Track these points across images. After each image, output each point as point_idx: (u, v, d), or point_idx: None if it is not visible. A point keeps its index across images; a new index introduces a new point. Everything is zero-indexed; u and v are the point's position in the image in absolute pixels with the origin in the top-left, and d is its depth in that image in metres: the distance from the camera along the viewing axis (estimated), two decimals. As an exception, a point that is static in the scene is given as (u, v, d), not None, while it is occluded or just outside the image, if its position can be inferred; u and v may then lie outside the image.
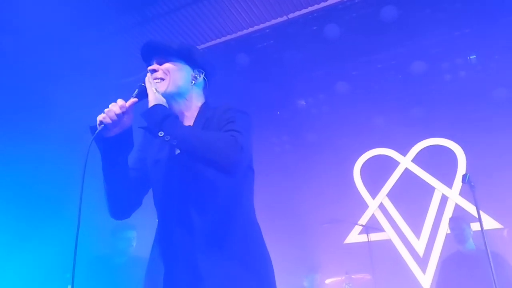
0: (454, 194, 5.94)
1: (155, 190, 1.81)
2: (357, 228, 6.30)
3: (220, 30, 5.35)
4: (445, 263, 4.64)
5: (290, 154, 6.94)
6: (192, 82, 1.83)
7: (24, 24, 4.28)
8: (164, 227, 1.73)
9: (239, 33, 5.43)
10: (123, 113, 1.64)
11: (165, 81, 1.77)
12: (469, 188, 2.98)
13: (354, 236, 6.37)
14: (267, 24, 5.35)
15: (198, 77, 1.84)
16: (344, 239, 6.40)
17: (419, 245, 5.95)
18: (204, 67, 1.88)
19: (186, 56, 1.82)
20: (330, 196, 6.23)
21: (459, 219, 4.60)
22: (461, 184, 5.86)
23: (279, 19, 5.26)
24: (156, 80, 1.76)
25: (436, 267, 5.45)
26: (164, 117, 1.60)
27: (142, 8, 4.91)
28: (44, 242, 4.59)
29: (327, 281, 5.41)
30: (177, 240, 1.66)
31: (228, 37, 5.48)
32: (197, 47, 5.65)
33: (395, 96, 6.04)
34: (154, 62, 1.81)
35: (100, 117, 1.64)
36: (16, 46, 4.47)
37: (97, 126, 1.64)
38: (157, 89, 1.72)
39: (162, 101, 1.70)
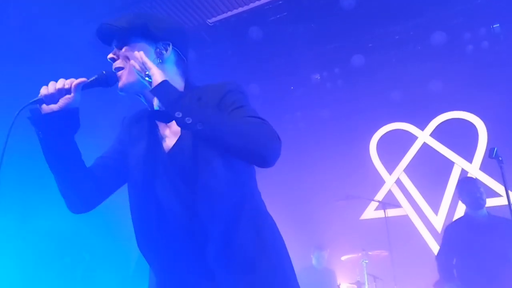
0: (474, 169, 5.79)
1: (140, 197, 1.50)
2: (374, 204, 6.22)
3: (231, 2, 5.20)
4: (454, 227, 4.05)
5: (305, 130, 6.83)
6: (158, 61, 1.51)
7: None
8: (160, 242, 1.45)
9: (251, 5, 5.28)
10: (66, 90, 1.42)
11: (124, 70, 1.50)
12: (497, 163, 2.85)
13: (371, 212, 6.28)
14: (280, -5, 5.18)
15: (164, 52, 1.52)
16: (360, 215, 6.33)
17: (437, 221, 5.85)
18: (170, 37, 1.55)
19: (140, 32, 1.51)
20: (346, 172, 6.13)
21: (477, 181, 4.07)
22: (482, 158, 5.74)
23: (293, -10, 5.10)
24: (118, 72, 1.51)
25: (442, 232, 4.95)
26: (180, 94, 1.35)
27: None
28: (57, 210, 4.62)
29: (343, 257, 5.35)
30: (185, 257, 1.42)
31: (240, 9, 5.33)
32: (208, 20, 5.55)
33: (414, 69, 5.87)
34: (114, 48, 1.54)
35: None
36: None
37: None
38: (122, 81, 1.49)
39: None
